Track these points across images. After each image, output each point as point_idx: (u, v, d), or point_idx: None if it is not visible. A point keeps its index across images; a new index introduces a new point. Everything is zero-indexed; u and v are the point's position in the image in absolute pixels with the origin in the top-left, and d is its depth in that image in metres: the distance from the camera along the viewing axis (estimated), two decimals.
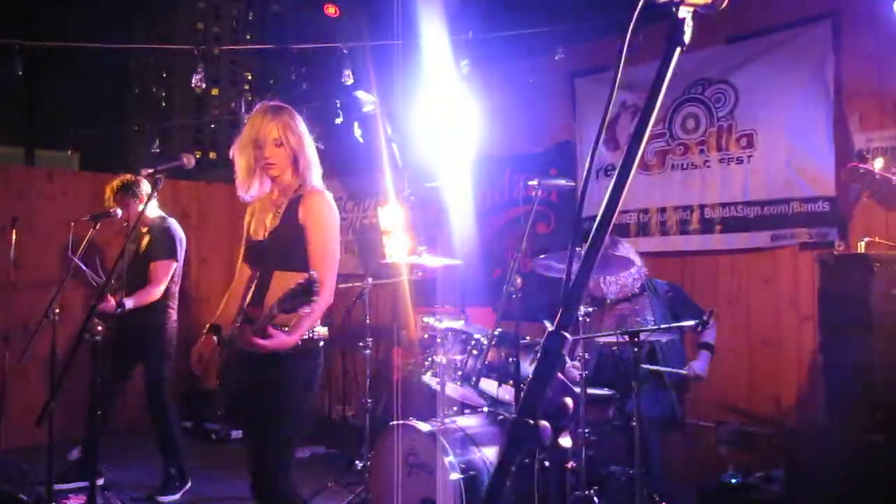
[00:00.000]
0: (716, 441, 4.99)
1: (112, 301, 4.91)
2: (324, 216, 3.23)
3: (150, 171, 3.17)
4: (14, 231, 6.00)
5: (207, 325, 3.47)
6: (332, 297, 3.19)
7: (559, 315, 1.00)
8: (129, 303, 5.03)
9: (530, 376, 0.98)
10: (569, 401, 0.98)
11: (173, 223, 5.47)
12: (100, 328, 3.04)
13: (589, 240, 1.11)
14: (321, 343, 3.25)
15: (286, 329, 3.00)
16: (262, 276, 3.30)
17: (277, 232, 3.27)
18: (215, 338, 3.41)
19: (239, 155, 3.29)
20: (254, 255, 3.42)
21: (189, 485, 5.49)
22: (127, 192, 5.35)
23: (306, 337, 3.12)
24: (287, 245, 3.22)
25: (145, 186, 5.36)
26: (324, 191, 3.31)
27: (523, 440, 0.95)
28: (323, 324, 3.23)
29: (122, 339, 5.30)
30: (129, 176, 5.47)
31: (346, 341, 7.33)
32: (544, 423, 0.94)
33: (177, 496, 5.39)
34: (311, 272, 2.82)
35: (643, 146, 1.19)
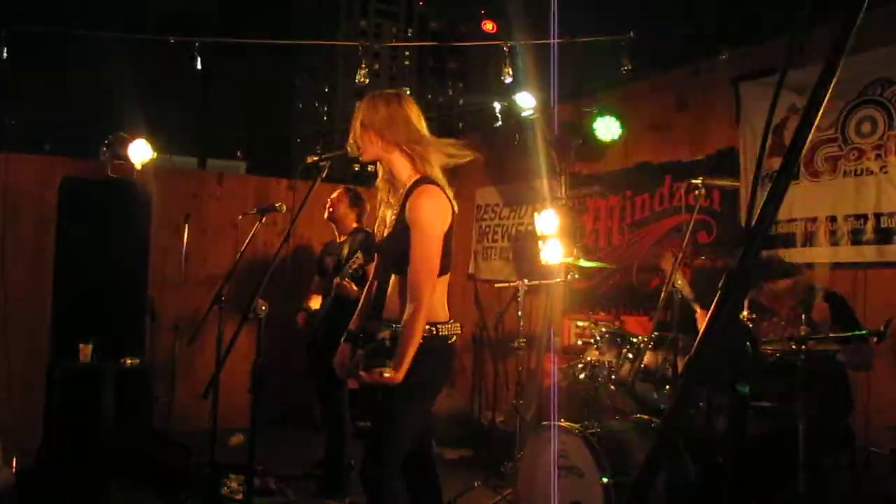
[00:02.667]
0: (891, 471, 4.65)
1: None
2: (423, 215, 3.07)
3: (315, 157, 3.24)
4: (186, 226, 6.34)
5: (345, 333, 3.54)
6: (431, 302, 3.06)
7: (739, 259, 0.94)
8: None
9: (711, 316, 0.93)
10: (748, 346, 0.92)
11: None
12: (263, 307, 3.14)
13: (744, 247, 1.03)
14: (450, 340, 3.16)
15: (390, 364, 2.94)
16: (382, 279, 3.28)
17: (392, 233, 3.20)
18: (350, 344, 3.45)
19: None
20: (378, 257, 3.43)
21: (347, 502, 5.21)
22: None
23: (430, 335, 3.05)
24: (398, 247, 3.12)
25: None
26: (433, 184, 3.14)
27: (703, 378, 0.90)
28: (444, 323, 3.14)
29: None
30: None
31: (498, 347, 7.34)
32: (722, 364, 0.88)
33: (345, 500, 5.15)
34: (395, 327, 2.82)
35: (810, 137, 1.10)
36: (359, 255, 5.02)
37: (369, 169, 3.47)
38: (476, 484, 5.37)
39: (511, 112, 6.53)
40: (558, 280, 5.43)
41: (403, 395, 3.06)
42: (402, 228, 3.12)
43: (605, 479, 3.83)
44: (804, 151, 1.07)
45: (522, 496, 4.42)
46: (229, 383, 7.59)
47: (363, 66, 5.50)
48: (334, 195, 5.60)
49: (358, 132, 3.20)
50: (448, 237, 3.17)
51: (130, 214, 5.92)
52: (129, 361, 5.51)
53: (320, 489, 5.27)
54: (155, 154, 6.26)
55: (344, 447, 5.35)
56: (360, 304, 3.52)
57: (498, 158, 7.96)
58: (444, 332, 3.13)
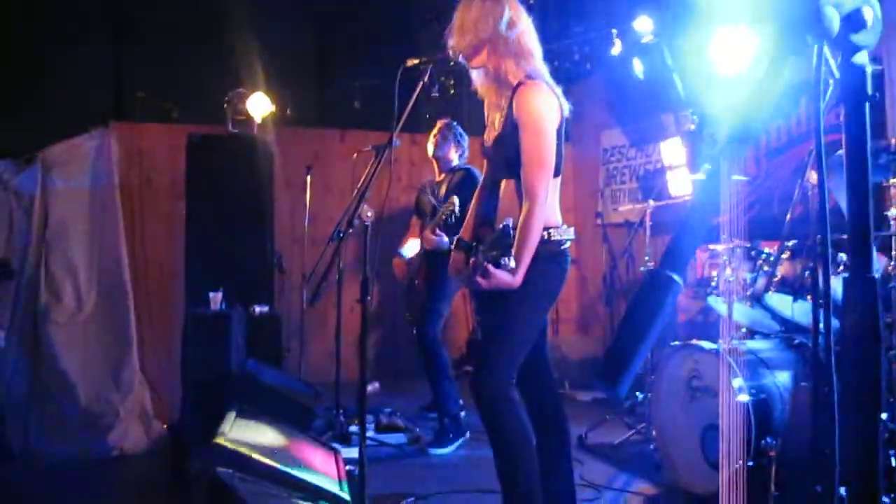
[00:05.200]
0: None
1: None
2: (531, 110, 2.94)
3: (416, 61, 3.11)
4: (309, 178, 6.38)
5: (455, 240, 3.42)
6: (547, 200, 2.93)
7: None
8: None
9: None
10: None
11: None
12: (369, 213, 3.07)
13: None
14: (564, 246, 3.03)
15: (510, 266, 2.81)
16: (492, 186, 3.18)
17: (499, 137, 3.09)
18: (463, 252, 3.30)
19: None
20: (487, 163, 3.30)
21: (467, 436, 5.23)
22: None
23: (542, 239, 2.90)
24: (508, 150, 3.02)
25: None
26: (537, 80, 2.99)
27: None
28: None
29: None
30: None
31: (630, 289, 7.11)
32: None
33: (448, 449, 5.13)
34: (506, 222, 2.67)
35: None
36: (453, 200, 4.97)
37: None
38: (607, 417, 5.20)
39: (632, 41, 6.23)
40: (686, 197, 5.11)
41: (515, 302, 2.95)
42: (511, 128, 3.00)
43: (742, 398, 3.59)
44: None
45: (656, 424, 4.23)
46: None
47: None
48: (436, 130, 5.54)
49: (459, 36, 3.09)
50: (559, 136, 3.03)
51: (253, 167, 6.00)
52: (258, 309, 5.60)
53: (438, 437, 5.19)
54: (274, 108, 6.32)
55: (449, 390, 5.29)
56: (469, 214, 3.40)
57: (621, 98, 7.71)
58: (556, 236, 2.99)
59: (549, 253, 2.98)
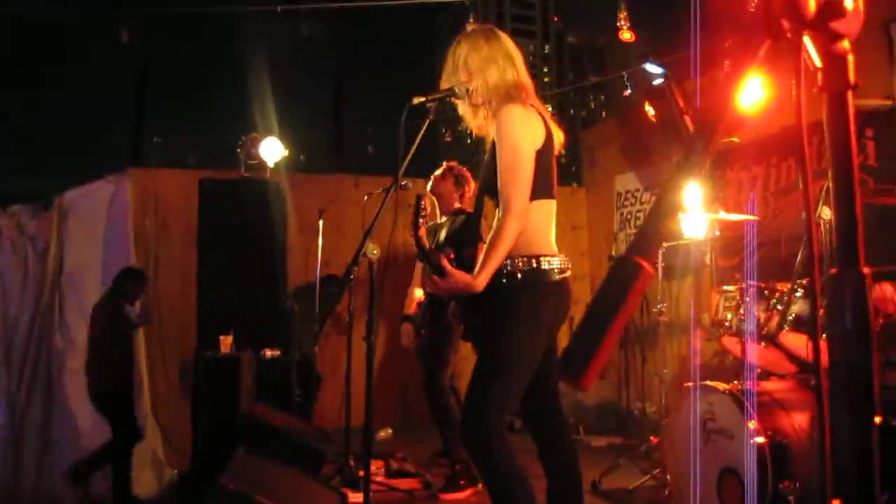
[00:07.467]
0: None
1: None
2: (506, 125, 2.87)
3: (422, 98, 3.10)
4: (321, 222, 6.38)
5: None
6: (524, 218, 2.81)
7: None
8: None
9: None
10: None
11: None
12: (375, 252, 3.05)
13: None
14: (556, 276, 2.88)
15: (450, 255, 2.77)
16: (476, 209, 3.19)
17: (485, 162, 3.05)
18: None
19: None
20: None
21: (479, 487, 4.96)
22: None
23: (531, 268, 2.83)
24: (489, 171, 2.97)
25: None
26: (513, 104, 2.92)
27: None
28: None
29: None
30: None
31: (645, 336, 7.05)
32: None
33: (459, 495, 5.00)
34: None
35: None
36: (448, 250, 4.98)
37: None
38: (621, 462, 5.09)
39: (643, 85, 6.25)
40: (699, 238, 5.06)
41: (504, 337, 2.82)
42: (493, 148, 2.96)
43: (758, 440, 3.51)
44: None
45: (671, 467, 4.14)
46: (377, 384, 7.65)
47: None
48: (438, 172, 5.44)
49: (464, 74, 3.08)
50: (544, 158, 2.94)
51: (265, 211, 6.02)
52: (269, 353, 5.58)
53: (449, 484, 5.09)
54: (287, 152, 6.35)
55: (458, 437, 5.15)
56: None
57: (635, 143, 7.72)
58: (546, 265, 2.87)
59: (541, 282, 2.86)
